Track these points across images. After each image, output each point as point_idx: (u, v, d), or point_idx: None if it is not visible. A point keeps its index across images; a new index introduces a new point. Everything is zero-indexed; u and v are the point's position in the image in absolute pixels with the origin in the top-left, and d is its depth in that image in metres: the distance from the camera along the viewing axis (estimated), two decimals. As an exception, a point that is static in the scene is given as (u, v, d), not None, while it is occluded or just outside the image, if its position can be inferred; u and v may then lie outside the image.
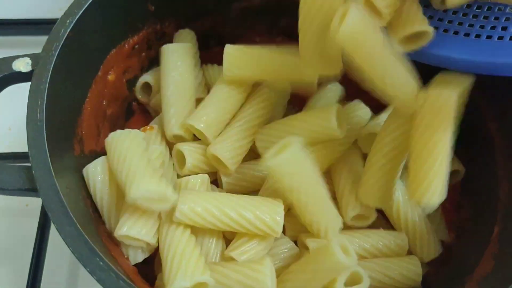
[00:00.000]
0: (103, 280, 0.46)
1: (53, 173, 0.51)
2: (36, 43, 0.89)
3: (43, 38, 0.87)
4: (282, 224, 0.57)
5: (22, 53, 0.61)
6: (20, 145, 0.81)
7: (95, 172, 0.61)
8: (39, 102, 0.55)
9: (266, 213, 0.56)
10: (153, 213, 0.58)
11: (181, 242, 0.54)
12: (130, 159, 0.57)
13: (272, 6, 0.79)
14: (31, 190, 0.52)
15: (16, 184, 0.53)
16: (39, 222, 0.73)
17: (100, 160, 0.62)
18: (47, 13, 0.94)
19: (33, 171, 0.51)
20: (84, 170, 0.61)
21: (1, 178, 0.53)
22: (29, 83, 0.59)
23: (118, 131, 0.61)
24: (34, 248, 0.71)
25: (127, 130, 0.62)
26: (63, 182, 0.53)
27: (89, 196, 0.60)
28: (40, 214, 0.74)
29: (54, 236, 0.73)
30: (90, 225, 0.55)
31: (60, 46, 0.59)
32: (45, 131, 0.54)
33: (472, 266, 0.58)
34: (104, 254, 0.49)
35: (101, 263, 0.47)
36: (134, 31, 0.71)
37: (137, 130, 0.63)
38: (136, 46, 0.72)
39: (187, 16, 0.75)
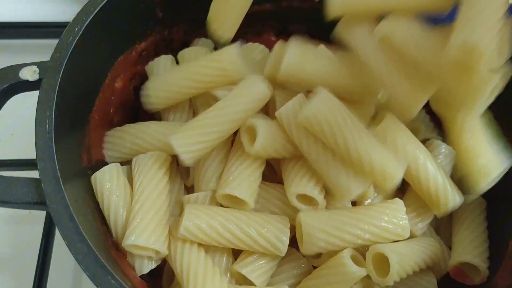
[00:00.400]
0: (115, 299, 0.45)
1: (62, 186, 0.50)
2: (40, 47, 0.89)
3: (48, 42, 0.88)
4: (287, 243, 0.56)
5: (27, 57, 0.61)
6: (24, 151, 0.80)
7: (103, 180, 0.60)
8: (48, 113, 0.54)
9: (271, 232, 0.56)
10: (162, 220, 0.57)
11: (195, 259, 0.54)
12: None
13: (281, 12, 0.78)
14: (40, 204, 0.52)
15: (25, 198, 0.52)
16: (43, 230, 0.72)
17: (108, 168, 0.61)
18: (51, 16, 0.93)
19: (43, 185, 0.50)
20: (92, 178, 0.61)
21: (10, 191, 0.52)
22: (33, 91, 0.58)
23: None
24: (39, 255, 0.70)
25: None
26: (72, 195, 0.52)
27: (96, 207, 0.59)
28: (45, 221, 0.73)
29: (58, 243, 0.72)
30: (99, 240, 0.54)
31: (68, 54, 0.58)
32: (54, 143, 0.53)
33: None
34: (114, 270, 0.48)
35: (113, 281, 0.46)
36: (141, 37, 0.70)
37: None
38: (143, 53, 0.71)
39: (195, 22, 0.74)
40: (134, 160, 0.62)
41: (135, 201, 0.58)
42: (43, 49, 0.86)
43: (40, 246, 0.71)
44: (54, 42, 0.59)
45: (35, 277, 0.68)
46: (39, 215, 0.75)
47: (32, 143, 0.80)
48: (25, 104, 0.61)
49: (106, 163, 0.64)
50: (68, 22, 0.60)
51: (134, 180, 0.60)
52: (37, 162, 0.51)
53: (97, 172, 0.60)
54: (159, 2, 0.69)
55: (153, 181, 0.59)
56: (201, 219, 0.56)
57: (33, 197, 0.52)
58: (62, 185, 0.50)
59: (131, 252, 0.57)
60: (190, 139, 0.57)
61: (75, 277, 0.73)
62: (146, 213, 0.56)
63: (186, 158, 0.57)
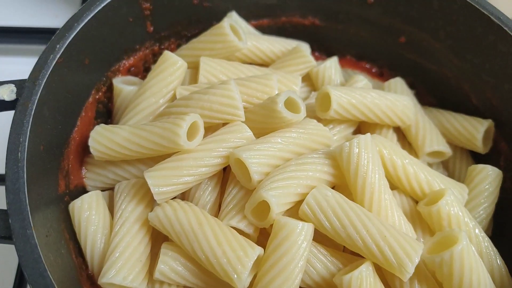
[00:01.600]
0: None
1: (31, 222, 0.47)
2: (31, 52, 0.85)
3: (38, 47, 0.84)
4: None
5: (14, 60, 0.57)
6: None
7: (81, 209, 0.56)
8: (21, 140, 0.50)
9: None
10: (142, 256, 0.54)
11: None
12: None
13: (280, 27, 0.75)
14: (8, 238, 0.48)
15: (-9, 231, 0.48)
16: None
17: (87, 196, 0.57)
18: (43, 21, 0.89)
19: (10, 221, 0.46)
20: (70, 206, 0.57)
21: (-25, 223, 0.48)
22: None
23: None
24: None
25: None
26: (43, 229, 0.49)
27: (72, 237, 0.56)
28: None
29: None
30: (70, 276, 0.51)
31: (48, 74, 0.54)
32: (25, 173, 0.49)
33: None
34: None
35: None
36: (130, 52, 0.66)
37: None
38: (132, 69, 0.67)
39: (187, 37, 0.70)
40: (116, 187, 0.58)
41: (115, 233, 0.54)
42: (33, 53, 0.83)
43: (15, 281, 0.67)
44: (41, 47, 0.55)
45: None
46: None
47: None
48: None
49: (85, 189, 0.60)
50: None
51: (115, 209, 0.57)
52: (6, 194, 0.48)
53: (75, 201, 0.57)
54: (150, 16, 0.65)
55: (135, 212, 0.55)
56: (177, 261, 0.52)
57: (1, 230, 0.48)
58: (31, 220, 0.47)
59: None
60: (164, 179, 0.53)
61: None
62: (126, 248, 0.53)
63: (158, 198, 0.53)
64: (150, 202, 0.57)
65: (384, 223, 0.50)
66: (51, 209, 0.54)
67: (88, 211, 0.56)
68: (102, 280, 0.52)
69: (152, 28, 0.67)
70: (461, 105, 0.69)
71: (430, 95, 0.73)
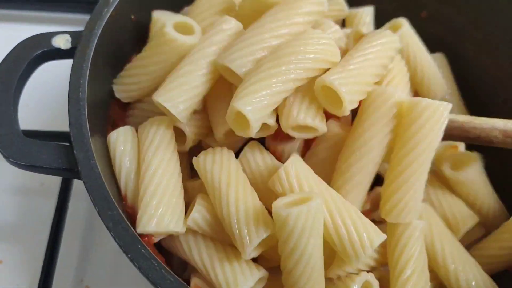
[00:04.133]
0: (145, 268, 0.45)
1: (94, 154, 0.50)
2: (72, 21, 0.89)
3: (80, 17, 0.88)
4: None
5: (59, 29, 0.60)
6: (41, 123, 0.79)
7: (117, 142, 0.56)
8: (81, 81, 0.54)
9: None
10: (179, 199, 0.54)
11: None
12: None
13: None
14: (68, 170, 0.51)
15: (54, 164, 0.51)
16: (57, 202, 0.71)
17: (123, 130, 0.57)
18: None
19: (75, 152, 0.50)
20: (108, 138, 0.57)
21: (39, 156, 0.51)
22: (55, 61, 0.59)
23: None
24: (52, 228, 0.69)
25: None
26: (100, 163, 0.52)
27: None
28: (59, 194, 0.72)
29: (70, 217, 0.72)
30: (123, 210, 0.54)
31: (103, 25, 0.58)
32: (86, 110, 0.52)
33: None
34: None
35: (142, 250, 0.46)
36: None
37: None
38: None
39: None
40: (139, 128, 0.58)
41: (147, 178, 0.53)
42: (75, 23, 0.87)
43: (54, 219, 0.70)
44: (83, 16, 0.58)
45: (46, 249, 0.68)
46: (51, 188, 0.75)
47: (50, 115, 0.81)
48: (38, 76, 0.60)
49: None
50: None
51: (142, 150, 0.56)
52: (70, 128, 0.51)
53: (112, 133, 0.57)
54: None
55: (166, 154, 0.55)
56: (210, 211, 0.54)
57: (62, 163, 0.51)
58: (93, 152, 0.50)
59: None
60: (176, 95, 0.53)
61: (84, 251, 0.72)
62: (163, 195, 0.52)
63: (176, 113, 0.53)
64: (172, 137, 0.56)
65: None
66: (105, 151, 0.57)
67: (123, 145, 0.56)
68: (138, 230, 0.50)
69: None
70: (480, 79, 0.74)
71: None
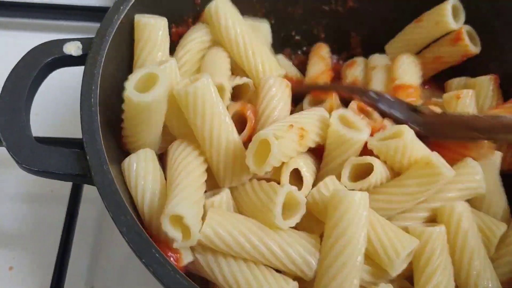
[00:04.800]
0: (160, 273, 0.45)
1: (107, 160, 0.50)
2: (84, 29, 0.90)
3: (92, 25, 0.89)
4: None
5: (70, 37, 0.60)
6: (52, 130, 0.80)
7: (131, 169, 0.55)
8: (93, 87, 0.54)
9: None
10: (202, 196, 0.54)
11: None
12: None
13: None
14: (82, 176, 0.51)
15: (67, 169, 0.52)
16: (67, 208, 0.71)
17: (135, 157, 0.55)
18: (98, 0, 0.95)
19: (88, 157, 0.50)
20: (122, 164, 0.56)
21: (52, 162, 0.52)
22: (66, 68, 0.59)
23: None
24: (63, 234, 0.69)
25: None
26: (113, 169, 0.52)
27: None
28: (69, 200, 0.72)
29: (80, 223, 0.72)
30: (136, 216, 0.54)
31: (113, 31, 0.58)
32: (98, 116, 0.53)
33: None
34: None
35: (157, 255, 0.46)
36: (179, 22, 0.70)
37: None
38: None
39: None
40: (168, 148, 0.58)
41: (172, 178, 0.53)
42: (86, 32, 0.87)
43: (64, 225, 0.70)
44: (95, 25, 0.59)
45: (57, 256, 0.68)
46: (61, 195, 0.75)
47: (61, 122, 0.82)
48: (48, 85, 0.60)
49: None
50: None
51: (169, 165, 0.56)
52: (82, 134, 0.51)
53: (125, 159, 0.56)
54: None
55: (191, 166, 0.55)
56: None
57: (75, 169, 0.52)
58: (106, 158, 0.50)
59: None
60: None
61: (94, 257, 0.73)
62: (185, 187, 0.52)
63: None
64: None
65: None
66: (118, 158, 0.57)
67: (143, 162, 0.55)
68: (176, 209, 0.48)
69: (199, 1, 0.71)
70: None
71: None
